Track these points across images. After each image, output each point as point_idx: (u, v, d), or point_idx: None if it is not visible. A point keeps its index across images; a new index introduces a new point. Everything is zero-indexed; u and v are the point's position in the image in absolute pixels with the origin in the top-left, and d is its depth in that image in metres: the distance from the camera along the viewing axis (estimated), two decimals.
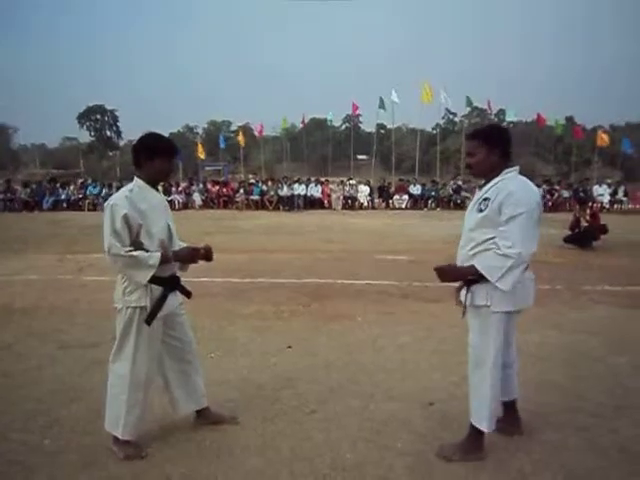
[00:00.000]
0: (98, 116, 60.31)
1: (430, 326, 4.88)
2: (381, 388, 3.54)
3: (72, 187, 21.14)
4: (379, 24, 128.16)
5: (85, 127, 59.06)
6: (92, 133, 60.03)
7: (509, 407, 2.87)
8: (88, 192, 20.41)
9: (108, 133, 61.55)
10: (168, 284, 2.78)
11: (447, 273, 2.64)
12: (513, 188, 2.46)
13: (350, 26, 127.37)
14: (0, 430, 3.00)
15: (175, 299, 2.88)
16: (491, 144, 2.58)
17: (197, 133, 59.86)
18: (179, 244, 2.92)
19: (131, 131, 58.15)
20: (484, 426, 2.60)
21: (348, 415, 3.17)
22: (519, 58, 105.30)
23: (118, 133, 61.59)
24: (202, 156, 29.75)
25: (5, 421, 3.11)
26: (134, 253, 2.60)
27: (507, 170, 2.57)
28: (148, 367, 2.75)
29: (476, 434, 2.66)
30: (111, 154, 52.24)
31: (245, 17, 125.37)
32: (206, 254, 2.95)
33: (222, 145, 30.63)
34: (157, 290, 2.72)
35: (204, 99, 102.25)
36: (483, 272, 2.45)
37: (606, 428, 2.99)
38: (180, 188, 21.21)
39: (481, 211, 2.53)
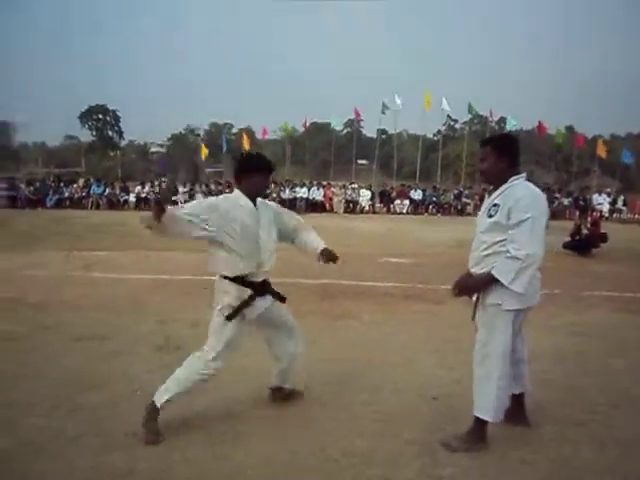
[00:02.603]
0: (100, 116, 60.40)
1: (432, 326, 5.02)
2: (388, 382, 3.68)
3: (75, 186, 21.27)
4: (382, 29, 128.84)
5: (87, 126, 59.21)
6: (94, 132, 60.17)
7: (518, 399, 3.00)
8: (92, 191, 20.52)
9: (109, 133, 61.68)
10: (259, 288, 3.03)
11: (467, 286, 2.78)
12: (521, 194, 2.62)
13: (352, 31, 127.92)
14: (22, 416, 3.12)
15: (264, 302, 3.08)
16: (500, 152, 2.75)
17: (198, 135, 60.03)
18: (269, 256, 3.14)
19: (132, 131, 58.33)
20: (489, 416, 2.73)
21: (357, 406, 3.31)
22: (522, 67, 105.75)
23: (120, 133, 61.70)
24: (204, 157, 29.89)
25: (27, 408, 3.23)
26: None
27: (514, 178, 2.72)
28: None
29: (480, 426, 2.79)
30: (112, 154, 52.44)
31: (248, 19, 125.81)
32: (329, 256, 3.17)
33: (225, 147, 30.74)
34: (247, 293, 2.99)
35: (205, 101, 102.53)
36: (499, 277, 2.58)
37: (603, 423, 3.13)
38: (185, 189, 21.34)
39: (491, 216, 2.68)
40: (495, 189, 2.78)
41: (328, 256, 3.15)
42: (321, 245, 3.19)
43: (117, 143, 59.58)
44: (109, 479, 2.52)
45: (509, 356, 2.75)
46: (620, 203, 20.65)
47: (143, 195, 20.59)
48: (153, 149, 55.96)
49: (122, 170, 38.07)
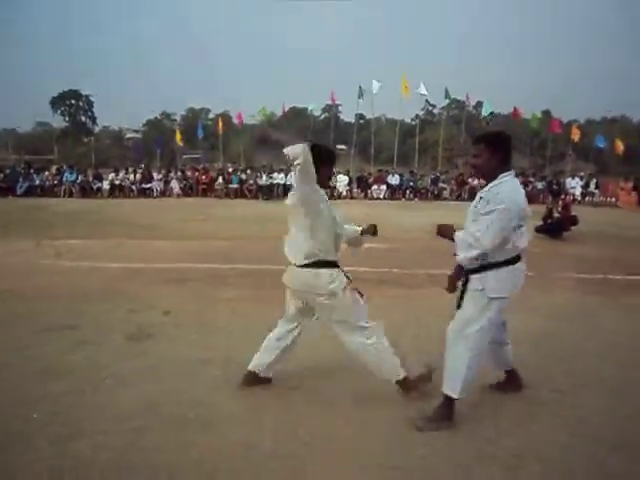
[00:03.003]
0: (72, 101, 58.99)
1: (410, 310, 5.04)
2: (363, 367, 3.69)
3: (47, 173, 20.76)
4: (361, 15, 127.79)
5: (59, 112, 57.73)
6: (66, 118, 58.77)
7: (511, 372, 3.30)
8: (64, 178, 20.05)
9: (83, 119, 60.28)
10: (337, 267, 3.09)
11: (441, 229, 2.93)
12: (502, 190, 2.75)
13: (331, 16, 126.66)
14: None
15: None
16: (494, 149, 2.83)
17: (175, 120, 59.00)
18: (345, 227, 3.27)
19: (106, 117, 57.09)
20: (456, 393, 2.81)
21: (330, 389, 3.34)
22: (499, 52, 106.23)
23: (93, 119, 60.39)
24: (180, 143, 29.41)
25: None
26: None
27: (503, 175, 2.81)
28: None
29: (448, 403, 2.86)
30: (86, 140, 51.25)
31: (224, 2, 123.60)
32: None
33: (201, 133, 30.25)
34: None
35: (182, 86, 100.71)
36: (456, 241, 2.78)
37: (568, 403, 3.20)
38: (160, 176, 21.01)
39: (476, 207, 2.85)
40: (487, 184, 2.88)
41: (371, 231, 3.39)
42: (358, 228, 3.39)
43: (91, 129, 58.34)
44: (74, 467, 2.49)
45: (486, 340, 2.86)
46: (592, 186, 21.03)
47: (117, 182, 20.22)
48: (128, 135, 54.88)
49: (96, 157, 37.26)
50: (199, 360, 3.79)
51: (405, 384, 3.16)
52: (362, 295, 3.12)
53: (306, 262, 2.97)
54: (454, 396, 2.83)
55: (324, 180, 3.04)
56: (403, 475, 2.46)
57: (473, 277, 2.84)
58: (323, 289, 2.97)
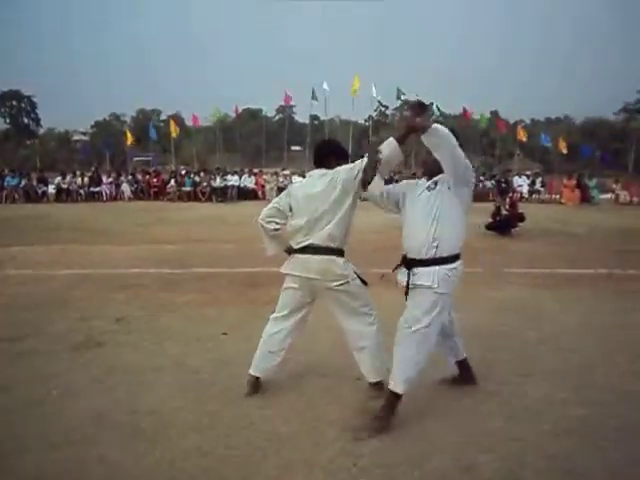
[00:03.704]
0: (14, 102, 56.52)
1: None
2: (313, 367, 3.72)
3: None
4: (314, 14, 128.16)
5: None
6: (7, 120, 56.22)
7: (463, 364, 3.40)
8: (6, 183, 19.17)
9: (25, 120, 57.81)
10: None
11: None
12: None
13: (283, 16, 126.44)
14: None
15: None
16: None
17: (125, 122, 57.45)
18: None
19: (50, 119, 54.94)
20: (400, 389, 2.85)
21: (283, 393, 3.33)
22: (448, 53, 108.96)
23: (37, 121, 58.00)
24: (130, 144, 28.63)
25: None
26: None
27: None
28: None
29: (392, 400, 2.88)
30: (29, 142, 49.18)
31: (177, 3, 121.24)
32: None
33: (153, 135, 29.53)
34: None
35: (131, 86, 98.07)
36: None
37: (514, 393, 3.33)
38: (109, 179, 20.40)
39: (429, 190, 2.95)
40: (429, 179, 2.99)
41: None
42: None
43: (34, 131, 56.00)
44: None
45: (435, 335, 2.92)
46: (538, 184, 21.92)
47: (64, 186, 19.51)
48: (75, 137, 52.98)
49: (41, 160, 35.82)
50: (151, 367, 3.71)
51: (379, 387, 3.20)
52: (366, 283, 3.19)
53: (331, 246, 3.07)
54: (399, 392, 2.85)
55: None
56: (359, 473, 2.49)
57: (420, 271, 2.88)
58: (338, 275, 3.06)
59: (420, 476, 2.47)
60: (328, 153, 3.28)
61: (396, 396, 2.88)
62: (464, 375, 3.42)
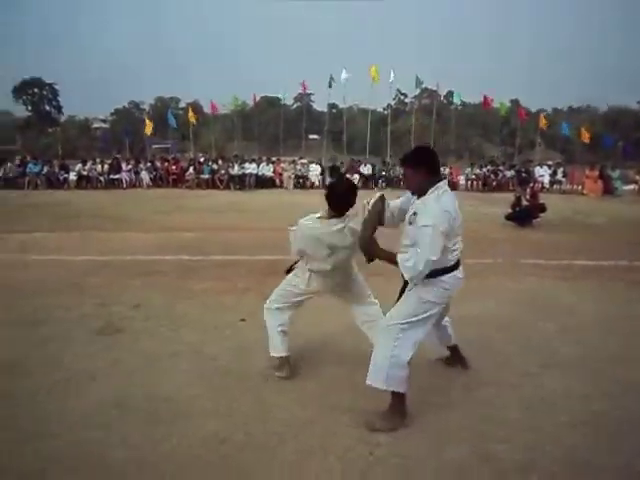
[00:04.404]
0: (35, 90, 57.06)
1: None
2: (329, 354, 3.74)
3: (10, 164, 20.08)
4: (330, 3, 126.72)
5: (21, 101, 55.78)
6: (29, 107, 56.85)
7: (453, 349, 3.52)
8: (28, 170, 19.44)
9: (47, 108, 58.40)
10: None
11: (368, 251, 2.92)
12: (428, 203, 2.74)
13: (302, 4, 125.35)
14: None
15: None
16: (416, 166, 2.83)
17: (144, 109, 57.72)
18: None
19: (73, 106, 55.40)
20: (402, 389, 2.81)
21: (299, 380, 3.35)
22: (469, 42, 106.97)
23: (58, 108, 58.53)
24: (149, 132, 28.78)
25: None
26: None
27: (432, 189, 2.78)
28: None
29: (399, 399, 2.84)
30: (51, 130, 49.75)
31: None
32: None
33: (172, 122, 29.62)
34: None
35: (151, 75, 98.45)
36: (400, 264, 2.72)
37: (532, 384, 3.30)
38: (129, 167, 20.57)
39: (410, 224, 2.82)
40: (418, 198, 2.88)
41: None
42: None
43: (56, 118, 56.56)
44: (41, 469, 2.45)
45: (423, 332, 2.86)
46: (560, 175, 21.52)
47: (85, 173, 19.73)
48: (95, 125, 53.43)
49: (62, 147, 36.24)
50: (169, 354, 3.76)
51: None
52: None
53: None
54: (401, 391, 2.81)
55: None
56: (375, 462, 2.50)
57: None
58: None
59: (437, 466, 2.47)
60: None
61: (400, 397, 2.84)
62: (456, 357, 3.54)
